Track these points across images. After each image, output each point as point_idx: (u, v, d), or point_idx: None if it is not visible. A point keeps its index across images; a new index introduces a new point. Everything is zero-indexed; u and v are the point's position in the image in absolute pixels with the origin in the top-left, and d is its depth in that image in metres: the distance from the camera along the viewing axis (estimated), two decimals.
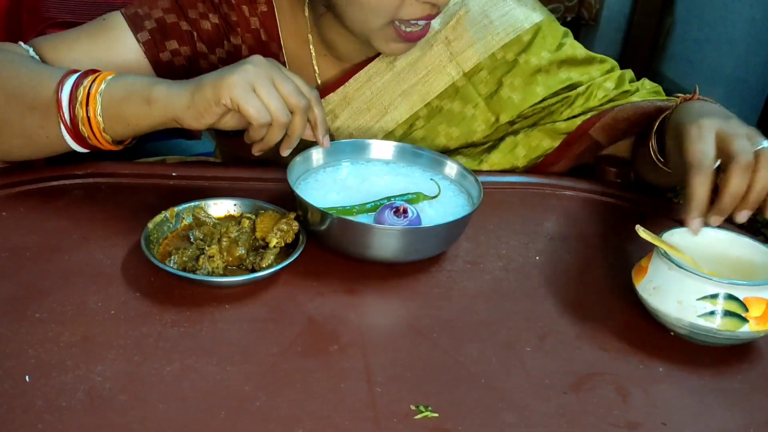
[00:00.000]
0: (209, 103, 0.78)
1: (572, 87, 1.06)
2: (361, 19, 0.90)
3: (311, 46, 1.03)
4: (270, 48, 1.03)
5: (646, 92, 1.07)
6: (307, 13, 1.01)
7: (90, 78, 0.83)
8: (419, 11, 0.89)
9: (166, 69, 0.97)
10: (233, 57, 1.01)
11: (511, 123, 1.07)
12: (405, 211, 0.80)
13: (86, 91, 0.81)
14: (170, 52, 0.97)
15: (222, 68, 0.80)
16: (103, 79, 0.82)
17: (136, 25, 0.95)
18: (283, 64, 1.04)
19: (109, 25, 0.96)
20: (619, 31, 3.08)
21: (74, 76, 0.83)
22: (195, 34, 0.98)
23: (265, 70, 0.79)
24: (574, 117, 1.06)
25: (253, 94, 0.78)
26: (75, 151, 0.86)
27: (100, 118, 0.81)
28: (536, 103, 1.05)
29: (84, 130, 0.82)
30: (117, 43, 0.95)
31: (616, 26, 3.07)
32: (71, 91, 0.82)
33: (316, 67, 1.05)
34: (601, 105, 1.05)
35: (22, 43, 0.92)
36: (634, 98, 1.05)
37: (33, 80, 0.84)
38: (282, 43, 1.03)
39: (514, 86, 1.05)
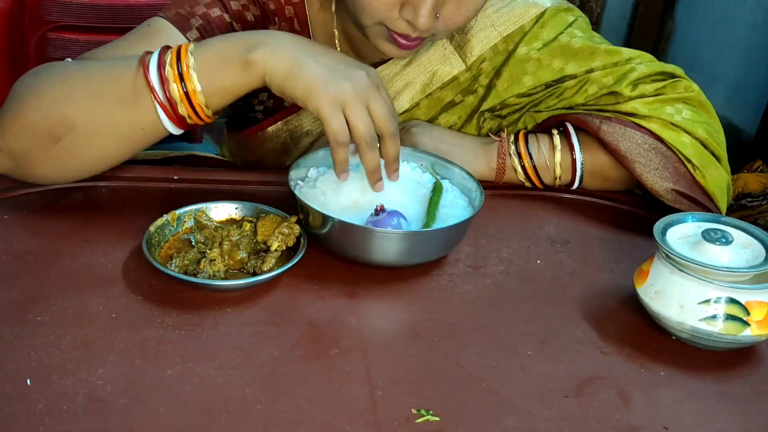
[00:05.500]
0: (296, 98, 0.78)
1: (565, 79, 1.04)
2: (354, 13, 0.91)
3: (336, 41, 1.04)
4: None
5: (642, 103, 0.99)
6: (333, 8, 1.02)
7: (170, 54, 0.79)
8: (402, 27, 0.89)
9: None
10: None
11: (491, 110, 1.07)
12: (382, 209, 0.81)
13: (175, 68, 0.78)
14: None
15: (323, 66, 0.78)
16: (186, 53, 0.79)
17: (182, 26, 0.93)
18: None
19: (158, 30, 0.93)
20: (619, 35, 3.07)
21: (154, 57, 0.79)
22: (240, 26, 0.98)
23: (363, 90, 0.78)
24: (554, 110, 1.05)
25: (340, 112, 0.77)
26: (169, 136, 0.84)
27: (200, 93, 0.78)
28: (523, 94, 1.05)
29: (183, 108, 0.79)
30: (171, 44, 0.90)
31: (617, 30, 3.07)
32: (158, 71, 0.78)
33: None
34: (585, 102, 1.03)
35: (70, 59, 0.88)
36: (624, 107, 0.99)
37: (110, 74, 0.81)
38: (311, 34, 1.03)
39: (505, 76, 1.05)
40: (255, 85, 0.80)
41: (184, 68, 0.78)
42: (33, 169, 0.84)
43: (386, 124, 0.79)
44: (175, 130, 0.82)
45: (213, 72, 0.79)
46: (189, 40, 0.93)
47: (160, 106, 0.79)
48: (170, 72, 0.78)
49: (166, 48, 0.80)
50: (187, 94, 0.78)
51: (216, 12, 0.96)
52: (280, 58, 0.78)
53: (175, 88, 0.78)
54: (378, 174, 0.82)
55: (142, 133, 0.82)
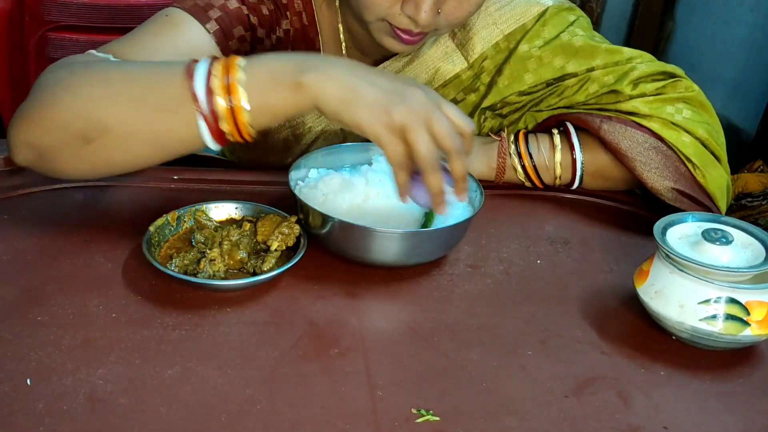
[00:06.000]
0: (352, 125, 0.73)
1: (566, 77, 1.04)
2: (357, 9, 0.92)
3: (341, 36, 1.04)
4: (309, 33, 1.03)
5: (643, 102, 0.99)
6: (337, 3, 1.02)
7: (219, 66, 0.74)
8: (405, 23, 0.89)
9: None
10: (282, 43, 1.01)
11: (492, 109, 1.07)
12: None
13: (222, 81, 0.73)
14: (237, 39, 0.94)
15: (379, 90, 0.73)
16: (235, 66, 0.73)
17: (200, 18, 0.91)
18: (319, 50, 1.04)
19: (177, 21, 0.90)
20: (620, 35, 3.08)
21: (201, 66, 0.74)
22: (257, 19, 0.97)
23: (422, 110, 0.73)
24: (554, 109, 1.06)
25: (399, 137, 0.72)
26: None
27: (246, 111, 0.73)
28: (524, 92, 1.05)
29: (226, 124, 0.74)
30: (192, 36, 0.90)
31: (617, 30, 3.07)
32: (205, 82, 0.73)
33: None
34: (586, 101, 1.03)
35: (94, 51, 0.85)
36: (625, 105, 0.99)
37: (151, 79, 0.76)
38: (318, 29, 1.03)
39: (506, 73, 1.05)
40: (305, 109, 0.76)
41: (232, 82, 0.73)
42: (58, 164, 0.79)
43: (449, 142, 0.74)
44: (214, 145, 0.76)
45: (262, 91, 0.73)
46: (209, 32, 0.91)
47: (203, 119, 0.73)
48: (217, 84, 0.73)
49: (215, 58, 0.76)
50: (232, 109, 0.73)
51: (233, 4, 0.94)
52: (334, 83, 0.73)
53: (220, 102, 0.73)
54: (442, 196, 0.77)
55: (179, 144, 0.77)
